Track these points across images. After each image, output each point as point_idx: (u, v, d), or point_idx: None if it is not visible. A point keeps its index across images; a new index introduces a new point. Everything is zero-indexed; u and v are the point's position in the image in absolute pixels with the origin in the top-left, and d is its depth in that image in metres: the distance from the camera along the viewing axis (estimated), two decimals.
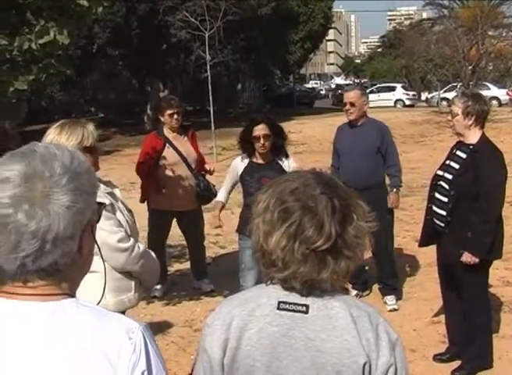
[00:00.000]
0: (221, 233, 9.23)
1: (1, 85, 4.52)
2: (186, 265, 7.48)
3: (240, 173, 5.50)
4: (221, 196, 5.89)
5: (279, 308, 1.73)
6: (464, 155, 4.73)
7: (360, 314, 1.73)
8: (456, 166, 4.73)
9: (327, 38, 63.94)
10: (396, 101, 41.62)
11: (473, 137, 4.71)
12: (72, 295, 1.44)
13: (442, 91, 37.19)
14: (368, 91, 46.04)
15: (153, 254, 3.72)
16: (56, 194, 1.34)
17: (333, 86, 73.71)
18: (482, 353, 4.82)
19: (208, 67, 18.40)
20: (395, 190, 6.37)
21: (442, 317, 5.44)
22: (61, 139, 3.26)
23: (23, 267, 1.36)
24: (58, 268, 1.38)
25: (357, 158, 6.04)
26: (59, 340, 1.35)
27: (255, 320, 1.75)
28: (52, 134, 3.29)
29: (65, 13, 4.43)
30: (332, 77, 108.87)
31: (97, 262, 3.35)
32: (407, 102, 41.42)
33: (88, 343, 1.35)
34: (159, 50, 27.02)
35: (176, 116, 6.52)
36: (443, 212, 4.75)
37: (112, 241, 3.37)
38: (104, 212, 3.26)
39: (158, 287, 6.43)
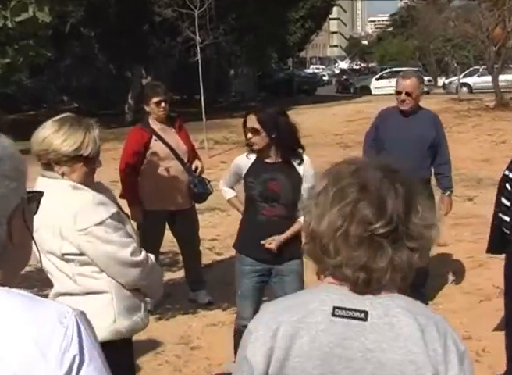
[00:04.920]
0: (217, 238, 9.23)
1: None
2: (180, 274, 7.46)
3: (244, 172, 4.99)
4: (229, 192, 5.36)
5: (334, 315, 1.73)
6: None
7: (428, 323, 1.73)
8: None
9: (330, 17, 63.95)
10: None
11: None
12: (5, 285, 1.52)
13: (461, 76, 37.20)
14: (376, 76, 46.58)
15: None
16: None
17: (337, 71, 73.83)
18: None
19: (199, 50, 18.35)
20: (448, 192, 6.31)
21: (474, 332, 5.44)
22: (55, 140, 3.16)
23: None
24: None
25: (405, 148, 5.90)
26: None
27: (306, 328, 1.74)
28: (48, 130, 3.18)
29: None
30: (335, 61, 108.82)
31: (104, 281, 3.32)
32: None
33: (17, 329, 1.43)
34: (141, 31, 26.97)
35: (163, 105, 6.52)
36: (507, 218, 4.74)
37: (125, 256, 3.28)
38: (111, 222, 3.21)
39: (149, 299, 6.39)
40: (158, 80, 18.93)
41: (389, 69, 46.67)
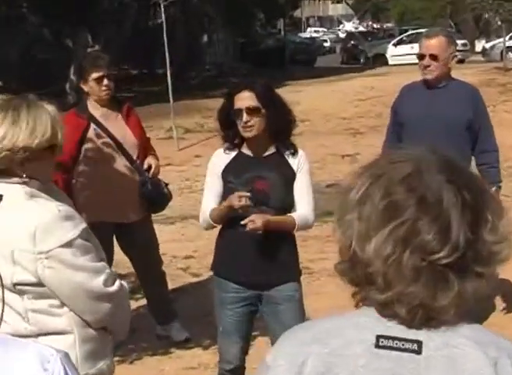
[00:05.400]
0: (193, 254, 9.21)
1: None
2: (145, 302, 7.45)
3: (221, 171, 4.93)
4: (207, 211, 4.96)
5: (378, 346, 1.72)
6: None
7: (500, 355, 1.73)
8: None
9: None
10: None
11: None
12: None
13: (508, 38, 37.17)
14: (394, 41, 46.65)
15: None
16: None
17: (342, 35, 74.01)
18: None
19: (162, 9, 18.34)
20: (495, 188, 6.30)
21: None
22: (21, 134, 3.05)
23: None
24: None
25: (435, 134, 5.78)
26: None
27: (342, 363, 1.73)
28: (2, 123, 3.04)
29: None
30: (339, 22, 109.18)
31: (65, 318, 3.26)
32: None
33: None
34: None
35: (105, 82, 6.44)
36: None
37: (96, 286, 3.21)
38: (80, 242, 3.13)
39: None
40: (108, 50, 18.88)
41: (411, 31, 46.75)
